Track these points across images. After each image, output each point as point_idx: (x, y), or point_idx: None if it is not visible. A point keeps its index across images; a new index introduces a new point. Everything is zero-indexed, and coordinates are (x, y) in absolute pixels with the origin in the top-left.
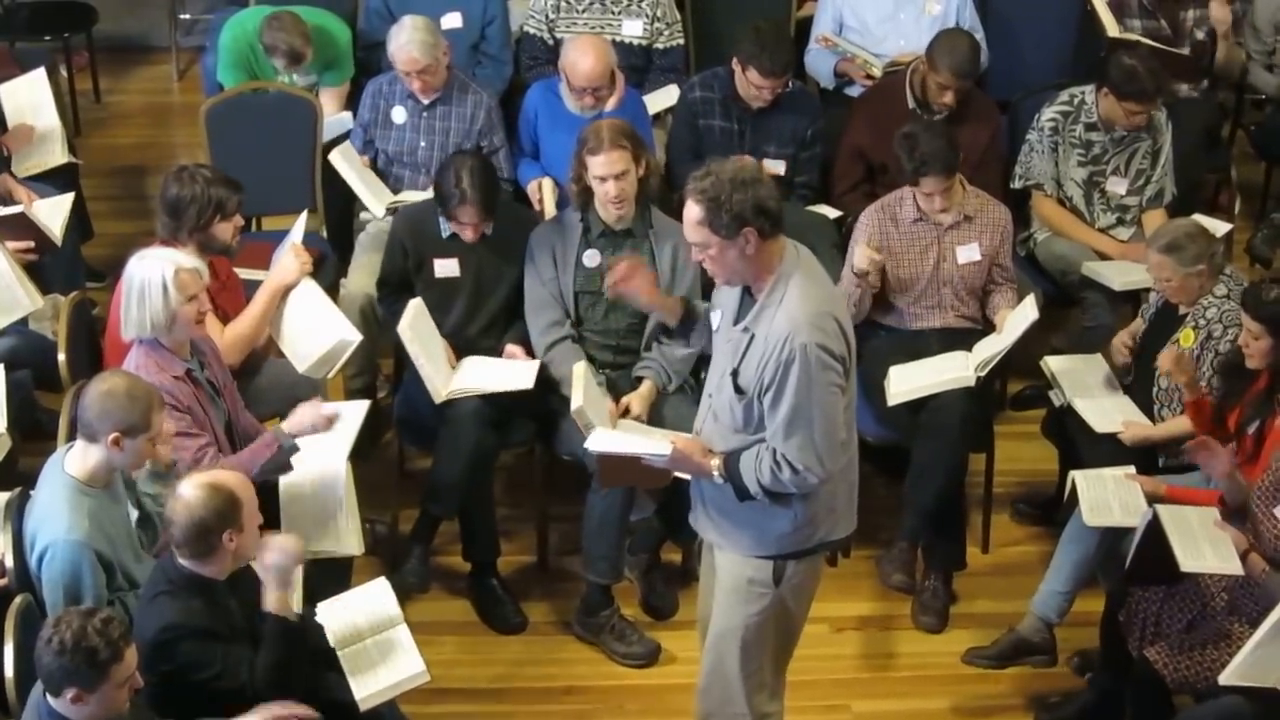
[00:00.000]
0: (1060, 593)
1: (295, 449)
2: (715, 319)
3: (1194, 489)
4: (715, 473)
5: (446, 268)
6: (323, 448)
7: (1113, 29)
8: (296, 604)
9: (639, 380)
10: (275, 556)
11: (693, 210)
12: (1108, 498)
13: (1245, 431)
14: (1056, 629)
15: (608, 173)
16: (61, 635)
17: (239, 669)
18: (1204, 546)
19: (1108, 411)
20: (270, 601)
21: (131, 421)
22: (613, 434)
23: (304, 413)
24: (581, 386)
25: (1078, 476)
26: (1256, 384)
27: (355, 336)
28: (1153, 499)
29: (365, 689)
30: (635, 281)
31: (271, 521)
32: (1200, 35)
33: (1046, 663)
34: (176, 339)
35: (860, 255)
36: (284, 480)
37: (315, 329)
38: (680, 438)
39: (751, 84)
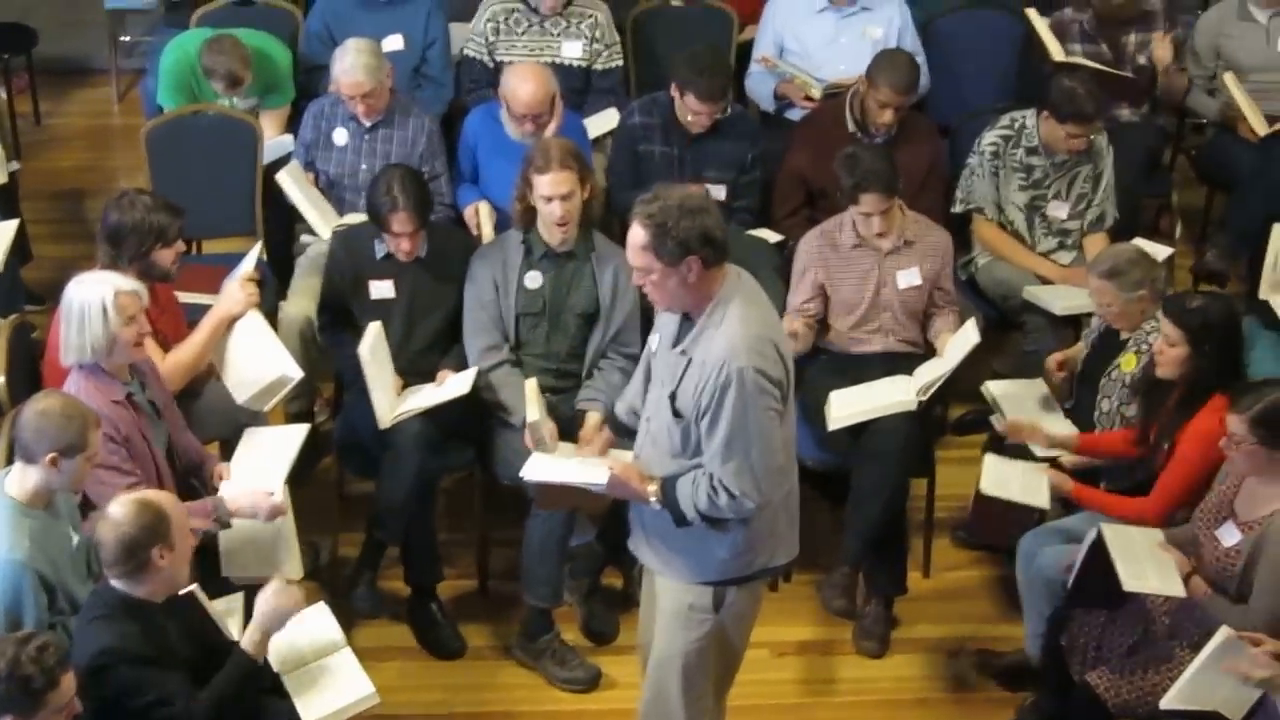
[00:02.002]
0: (1036, 635)
1: (228, 525)
2: (654, 341)
3: (1107, 497)
4: (653, 498)
5: (381, 289)
6: (261, 472)
7: (1058, 53)
8: (236, 632)
9: (582, 410)
10: (281, 600)
11: (638, 234)
12: (1011, 475)
13: (1160, 448)
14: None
15: (554, 193)
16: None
17: (175, 696)
18: (1147, 567)
19: (1050, 427)
20: (251, 641)
21: (68, 441)
22: (550, 461)
23: (245, 501)
24: (536, 402)
25: (989, 461)
26: (1170, 400)
27: (297, 374)
28: (1058, 491)
29: (313, 712)
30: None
31: (211, 547)
32: (1142, 60)
33: None
34: (116, 362)
35: (791, 321)
36: (224, 495)
37: (257, 362)
38: (618, 463)
39: (689, 109)
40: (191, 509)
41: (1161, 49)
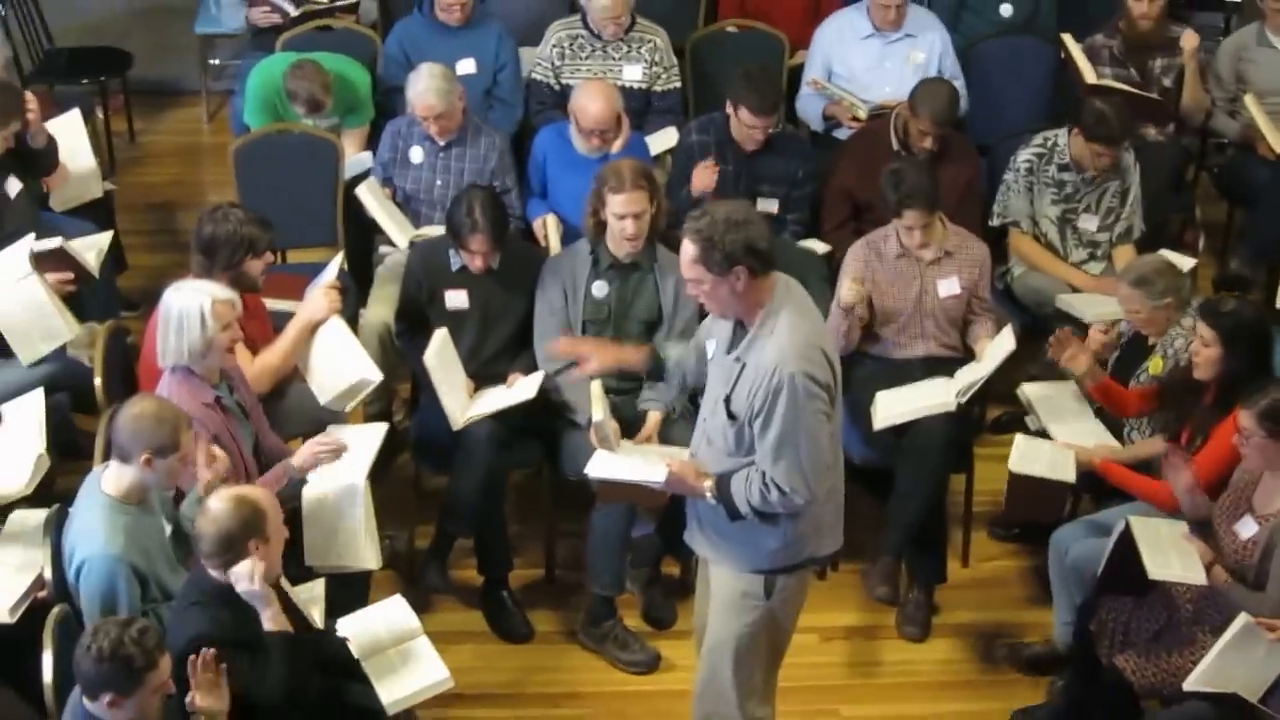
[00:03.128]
0: (1066, 623)
1: (304, 482)
2: (710, 348)
3: (1131, 473)
4: (708, 494)
5: (456, 299)
6: (343, 468)
7: (1090, 76)
8: (319, 617)
9: (644, 411)
10: (242, 585)
11: (688, 248)
12: (1040, 452)
13: (1195, 446)
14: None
15: (627, 211)
16: (100, 644)
17: (261, 678)
18: (1172, 557)
19: (1080, 435)
20: (265, 620)
21: (161, 442)
22: (612, 459)
23: (307, 451)
24: (600, 403)
25: (1020, 441)
26: (1205, 399)
27: (377, 376)
28: (1086, 466)
29: (391, 694)
30: (591, 363)
31: (294, 538)
32: (1167, 82)
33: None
34: (209, 365)
35: (845, 288)
36: (306, 498)
37: (339, 365)
38: (676, 460)
39: (744, 124)
40: (266, 479)
41: (1189, 39)
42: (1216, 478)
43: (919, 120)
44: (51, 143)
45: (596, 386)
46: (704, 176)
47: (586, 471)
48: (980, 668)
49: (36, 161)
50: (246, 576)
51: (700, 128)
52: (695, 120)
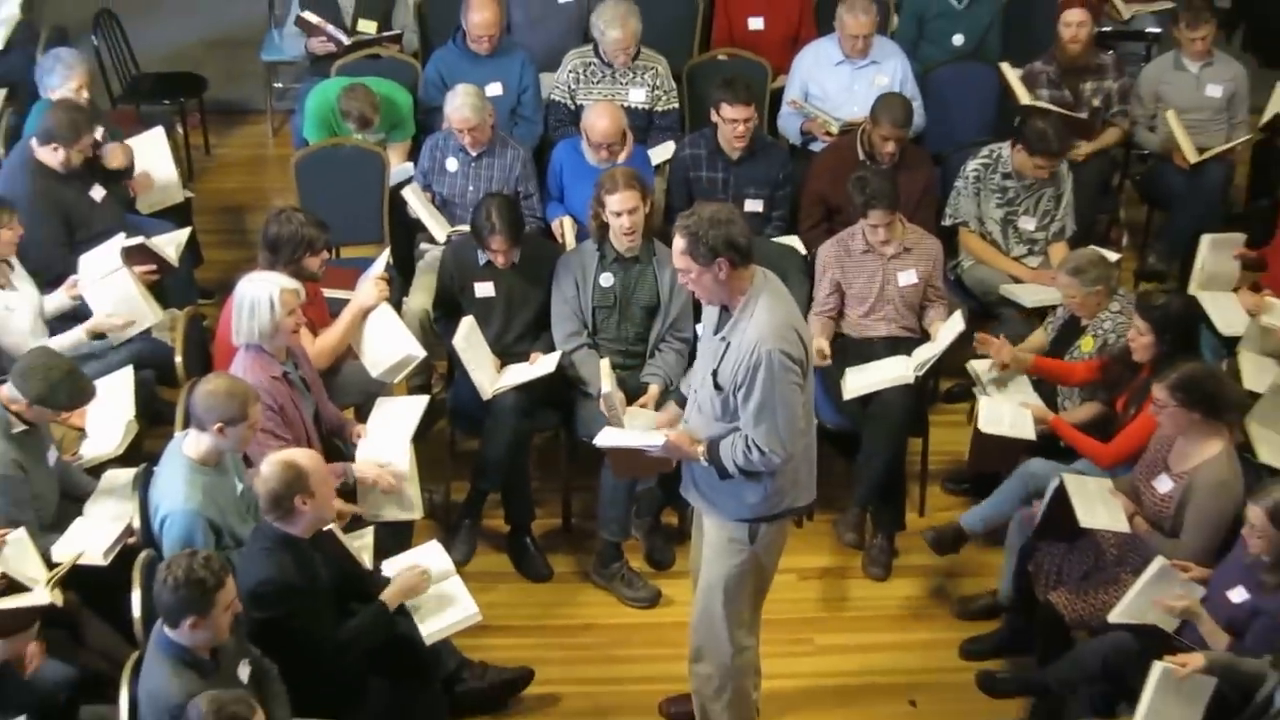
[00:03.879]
0: (982, 518)
1: (351, 485)
2: (700, 329)
3: (1078, 432)
4: (701, 457)
5: (484, 290)
6: (391, 433)
7: (1025, 98)
8: (368, 560)
9: (646, 384)
10: (412, 581)
11: (678, 242)
12: (1003, 414)
13: (1130, 414)
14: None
15: (622, 208)
16: (175, 574)
17: (318, 618)
18: (1099, 509)
19: (1018, 392)
20: (389, 598)
21: (232, 414)
22: (617, 432)
23: (369, 473)
24: (609, 377)
25: (982, 400)
26: (1140, 375)
27: (421, 353)
28: (1040, 421)
29: (430, 628)
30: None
31: (349, 495)
32: (1096, 103)
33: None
34: (276, 345)
35: (822, 283)
36: (359, 459)
37: (388, 344)
38: (672, 431)
39: (725, 119)
40: (331, 469)
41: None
42: (1141, 445)
43: (880, 127)
44: (130, 159)
45: (605, 363)
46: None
47: (596, 442)
48: (935, 603)
49: (114, 172)
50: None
51: (693, 141)
52: (689, 135)
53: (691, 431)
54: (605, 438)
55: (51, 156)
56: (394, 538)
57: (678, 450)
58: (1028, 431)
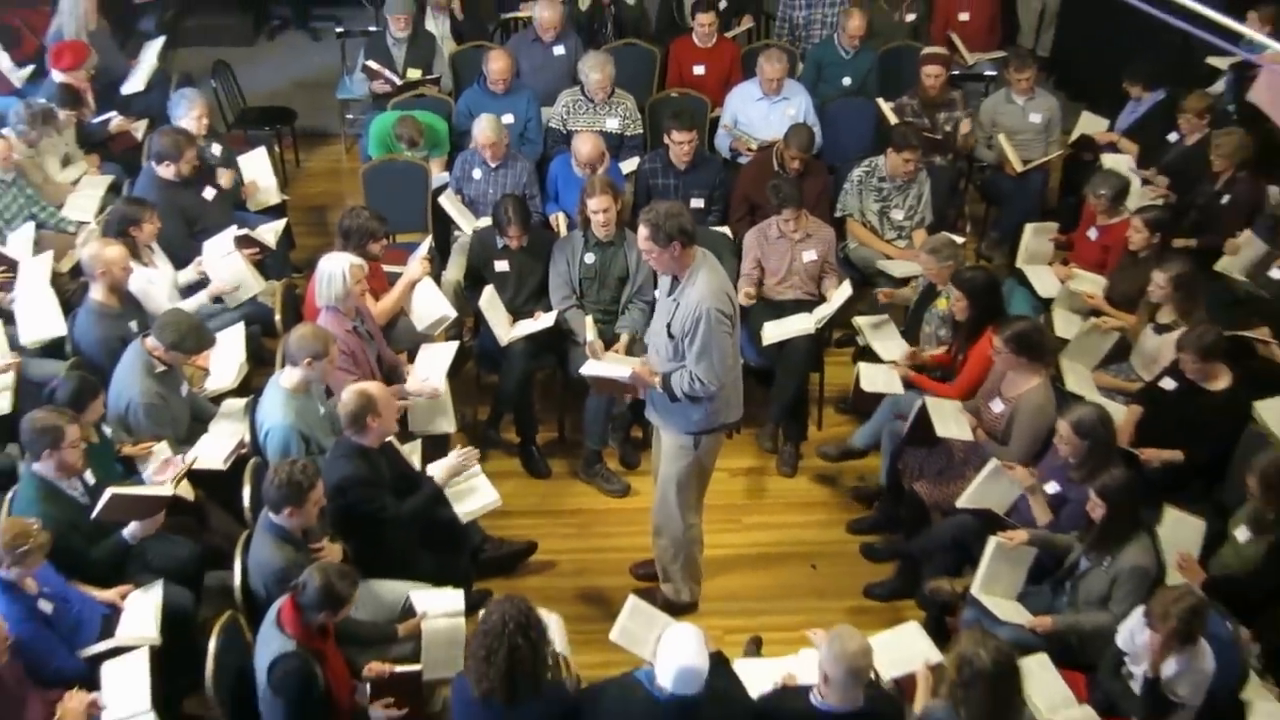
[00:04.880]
0: (866, 436)
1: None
2: (658, 293)
3: (930, 381)
4: (658, 386)
5: (502, 266)
6: (432, 369)
7: (894, 121)
8: (417, 463)
9: (618, 334)
10: (455, 464)
11: (642, 229)
12: (877, 376)
13: (959, 359)
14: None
15: (599, 208)
16: (280, 476)
17: (385, 504)
18: (951, 423)
19: (890, 349)
20: (440, 477)
21: (317, 350)
22: (597, 364)
23: (417, 388)
24: (592, 330)
25: (863, 366)
26: (963, 332)
27: (453, 313)
28: (905, 381)
29: (464, 509)
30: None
31: (403, 419)
32: (948, 128)
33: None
34: (347, 306)
35: (743, 294)
36: (408, 386)
37: (430, 306)
38: (637, 366)
39: (675, 142)
40: (391, 390)
41: (965, 126)
42: (976, 377)
43: (790, 149)
44: (234, 180)
45: (589, 319)
46: None
47: (582, 371)
48: (830, 493)
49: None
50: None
51: (651, 158)
52: (649, 153)
53: (652, 368)
54: (588, 368)
55: (166, 170)
56: (435, 447)
57: (641, 380)
58: (896, 388)
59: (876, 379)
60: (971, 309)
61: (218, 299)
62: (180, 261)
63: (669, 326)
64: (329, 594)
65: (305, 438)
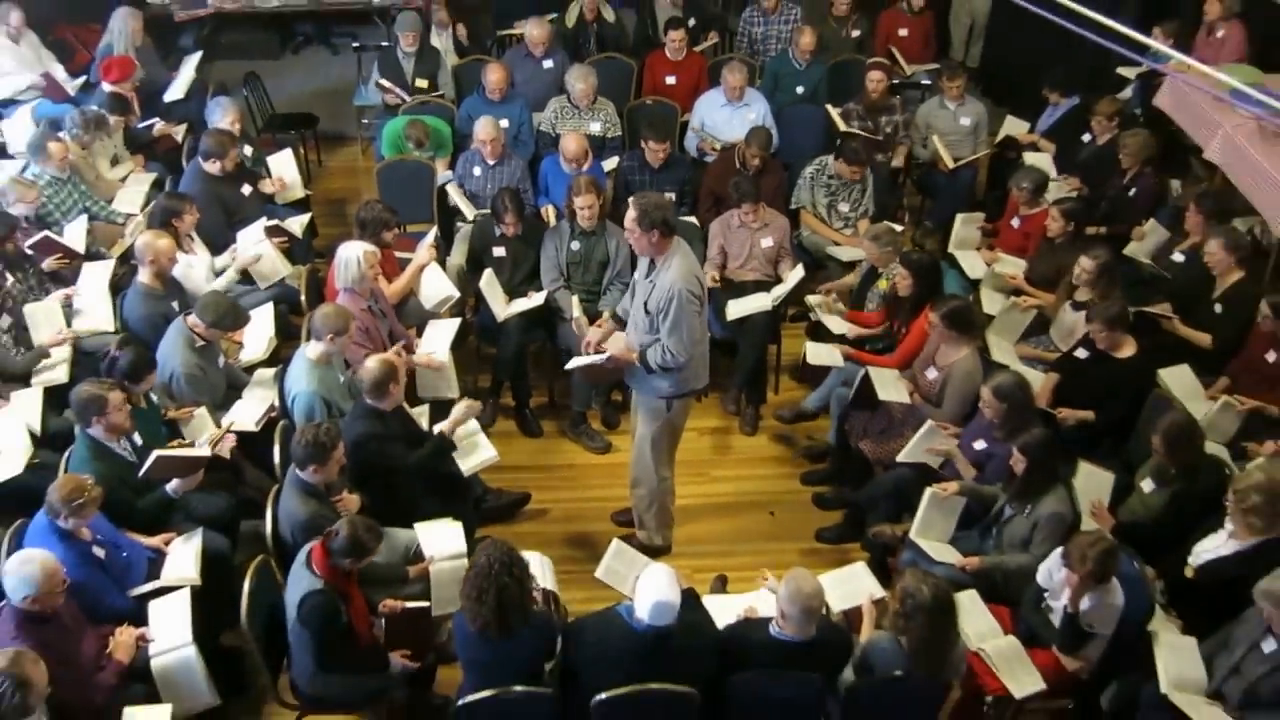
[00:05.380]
0: (817, 400)
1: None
2: (636, 275)
3: (868, 354)
4: (635, 360)
5: (499, 251)
6: (438, 342)
7: (843, 126)
8: (425, 424)
9: (600, 311)
10: (459, 414)
11: (631, 211)
12: (821, 352)
13: (900, 331)
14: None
15: (584, 204)
16: (305, 437)
17: (397, 456)
18: (891, 389)
19: (836, 324)
20: (445, 428)
21: (338, 328)
22: (579, 359)
23: (424, 360)
24: (577, 307)
25: (809, 345)
26: (905, 307)
27: (457, 293)
28: (847, 357)
29: (466, 464)
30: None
31: (411, 381)
32: (889, 130)
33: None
34: (364, 288)
35: (712, 249)
36: (417, 356)
37: (436, 287)
38: (616, 347)
39: (650, 148)
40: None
41: (898, 155)
42: (914, 347)
43: (751, 148)
44: (274, 191)
45: (575, 299)
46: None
47: (568, 367)
48: (786, 450)
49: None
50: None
51: (629, 158)
52: (626, 154)
53: (629, 343)
54: (572, 364)
55: (212, 166)
56: (440, 410)
57: (621, 359)
58: (838, 361)
59: (821, 354)
60: (915, 286)
61: (247, 279)
62: (218, 247)
63: (646, 305)
64: (356, 543)
65: (327, 403)
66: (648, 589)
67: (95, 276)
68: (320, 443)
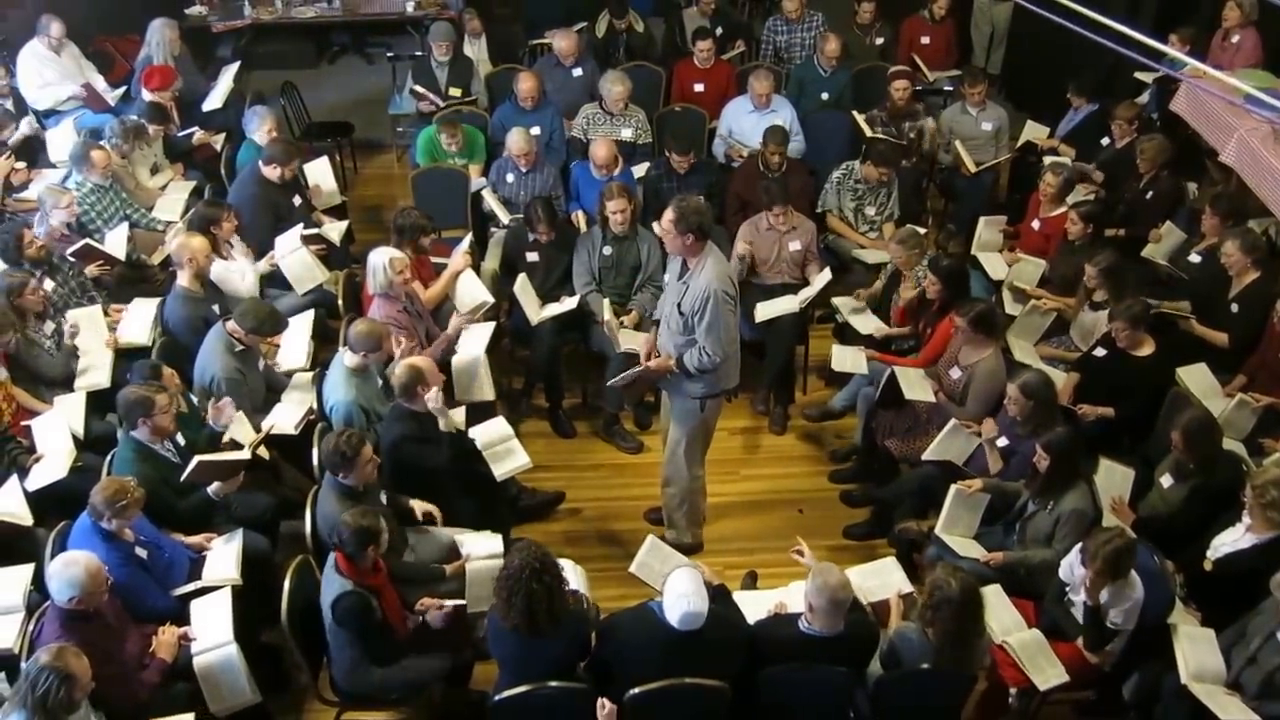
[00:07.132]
0: (844, 399)
1: (454, 353)
2: (668, 277)
3: (893, 356)
4: (673, 367)
5: (532, 257)
6: (472, 344)
7: (868, 132)
8: (461, 426)
9: (630, 310)
10: (432, 405)
11: (670, 213)
12: (846, 357)
13: (927, 332)
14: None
15: (616, 209)
16: (328, 446)
17: (432, 457)
18: (917, 388)
19: (865, 324)
20: (444, 425)
21: (372, 346)
22: (619, 376)
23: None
24: (609, 310)
25: (835, 350)
26: (931, 308)
27: (491, 299)
28: (872, 359)
29: (500, 469)
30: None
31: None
32: (912, 135)
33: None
34: (395, 292)
35: (738, 247)
36: (454, 361)
37: (471, 292)
38: (652, 362)
39: (674, 158)
40: (430, 350)
41: (930, 125)
42: (940, 347)
43: (769, 146)
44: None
45: (606, 302)
46: None
47: (609, 385)
48: (814, 449)
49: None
50: (433, 399)
51: (657, 165)
52: (655, 160)
53: (663, 349)
54: (614, 383)
55: (272, 172)
56: (477, 412)
57: (658, 370)
58: (862, 367)
59: (845, 360)
60: (944, 291)
61: (284, 284)
62: (264, 249)
63: (680, 306)
64: (361, 532)
65: (365, 410)
66: (675, 599)
67: (143, 309)
68: (341, 451)
